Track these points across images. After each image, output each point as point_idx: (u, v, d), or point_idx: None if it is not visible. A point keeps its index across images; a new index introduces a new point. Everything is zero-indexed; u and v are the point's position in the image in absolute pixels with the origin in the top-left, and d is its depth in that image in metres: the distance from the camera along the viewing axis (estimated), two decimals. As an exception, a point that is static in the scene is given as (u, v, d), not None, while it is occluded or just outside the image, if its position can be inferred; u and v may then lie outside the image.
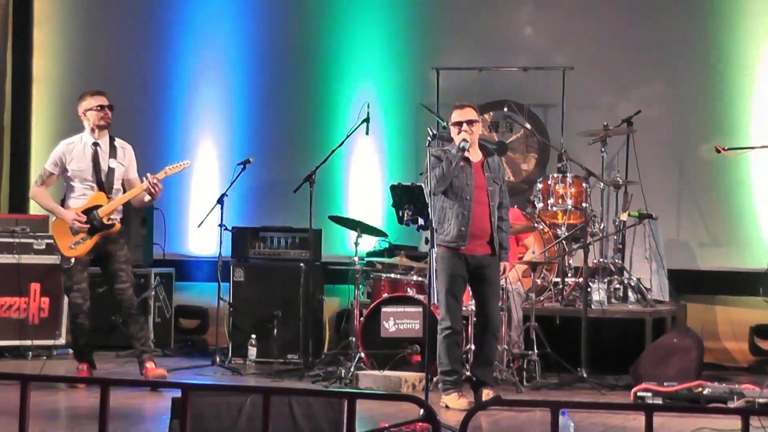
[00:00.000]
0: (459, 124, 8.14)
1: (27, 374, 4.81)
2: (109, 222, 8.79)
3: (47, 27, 12.87)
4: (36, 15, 12.88)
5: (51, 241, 10.40)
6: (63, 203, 8.99)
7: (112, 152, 8.89)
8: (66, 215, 8.82)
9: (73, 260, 8.82)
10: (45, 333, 10.31)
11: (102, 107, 8.84)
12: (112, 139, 8.94)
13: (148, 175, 8.76)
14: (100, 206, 8.79)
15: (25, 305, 10.26)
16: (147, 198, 8.85)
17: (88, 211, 8.77)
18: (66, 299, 10.29)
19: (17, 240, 10.29)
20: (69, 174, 8.89)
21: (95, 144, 8.87)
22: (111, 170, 8.86)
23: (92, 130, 8.86)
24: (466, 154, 8.13)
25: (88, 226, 8.76)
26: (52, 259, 10.37)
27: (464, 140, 8.06)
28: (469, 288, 8.39)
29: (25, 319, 10.22)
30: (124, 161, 8.93)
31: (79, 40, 12.81)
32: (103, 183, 8.85)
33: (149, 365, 8.83)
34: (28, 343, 10.20)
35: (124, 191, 8.93)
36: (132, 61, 12.51)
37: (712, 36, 11.25)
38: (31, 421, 4.56)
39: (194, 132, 12.31)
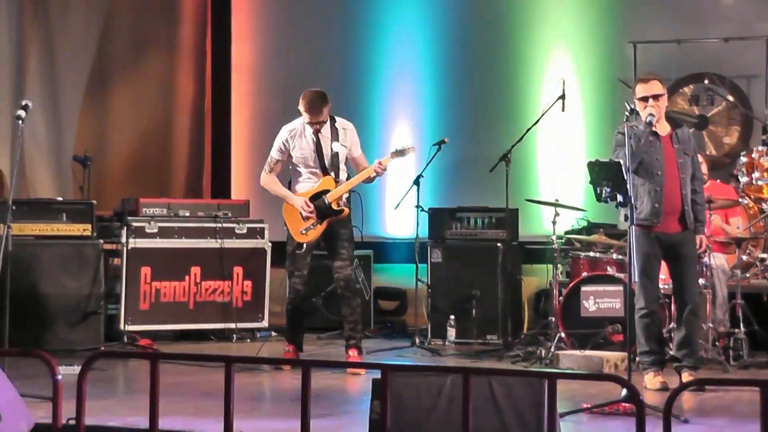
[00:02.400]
0: (645, 99, 7.94)
1: (231, 356, 4.90)
2: (338, 208, 8.81)
3: (245, 15, 13.13)
4: (234, 3, 13.16)
5: (252, 224, 10.65)
6: (290, 187, 9.00)
7: (334, 135, 8.84)
8: (295, 201, 8.81)
9: (304, 246, 8.87)
10: (248, 316, 10.51)
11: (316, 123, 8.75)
12: (333, 120, 8.87)
13: (376, 161, 8.76)
14: (328, 191, 8.80)
15: (228, 289, 10.48)
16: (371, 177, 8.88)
17: (317, 196, 8.78)
18: (266, 281, 10.55)
19: (220, 225, 10.50)
20: (294, 160, 8.89)
21: (317, 130, 8.85)
22: (335, 154, 8.83)
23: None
24: (654, 128, 7.94)
25: (315, 213, 8.77)
26: (253, 243, 10.58)
27: (651, 114, 7.85)
28: (666, 266, 8.24)
29: (229, 303, 10.44)
30: (346, 142, 8.86)
31: (275, 27, 13.04)
32: (328, 167, 8.84)
33: (351, 353, 8.83)
34: (232, 326, 10.42)
35: (349, 169, 8.94)
36: (325, 45, 12.68)
37: None
38: (236, 403, 4.65)
39: (389, 112, 12.39)
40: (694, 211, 8.04)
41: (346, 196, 8.92)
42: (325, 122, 8.80)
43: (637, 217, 7.83)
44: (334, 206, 8.79)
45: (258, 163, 12.88)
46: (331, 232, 8.85)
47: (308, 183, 8.89)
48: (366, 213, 11.68)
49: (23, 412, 6.09)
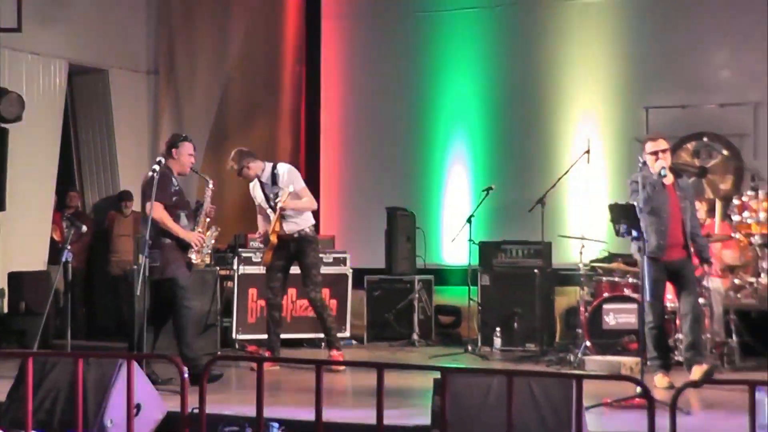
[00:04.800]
0: (655, 153, 7.94)
1: (320, 360, 4.96)
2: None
3: (332, 87, 13.23)
4: (323, 76, 13.27)
5: (337, 255, 10.72)
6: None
7: (273, 179, 8.92)
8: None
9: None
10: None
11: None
12: (273, 167, 8.98)
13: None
14: None
15: (318, 306, 10.51)
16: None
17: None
18: (348, 300, 10.60)
19: (313, 255, 10.56)
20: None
21: (258, 179, 8.98)
22: (275, 195, 8.89)
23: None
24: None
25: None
26: (338, 270, 10.64)
27: (663, 167, 7.86)
28: (672, 288, 8.23)
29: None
30: (283, 182, 8.88)
31: (357, 97, 13.11)
32: (273, 207, 8.91)
33: (333, 352, 8.90)
34: (320, 335, 10.45)
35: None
36: (397, 111, 12.75)
37: None
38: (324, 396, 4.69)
39: (447, 163, 12.44)
40: (699, 248, 8.04)
41: (304, 226, 8.91)
42: (248, 173, 8.96)
43: (646, 249, 7.82)
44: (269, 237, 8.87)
45: (342, 206, 13.05)
46: (301, 265, 8.92)
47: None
48: (428, 245, 11.77)
49: (158, 403, 6.21)
